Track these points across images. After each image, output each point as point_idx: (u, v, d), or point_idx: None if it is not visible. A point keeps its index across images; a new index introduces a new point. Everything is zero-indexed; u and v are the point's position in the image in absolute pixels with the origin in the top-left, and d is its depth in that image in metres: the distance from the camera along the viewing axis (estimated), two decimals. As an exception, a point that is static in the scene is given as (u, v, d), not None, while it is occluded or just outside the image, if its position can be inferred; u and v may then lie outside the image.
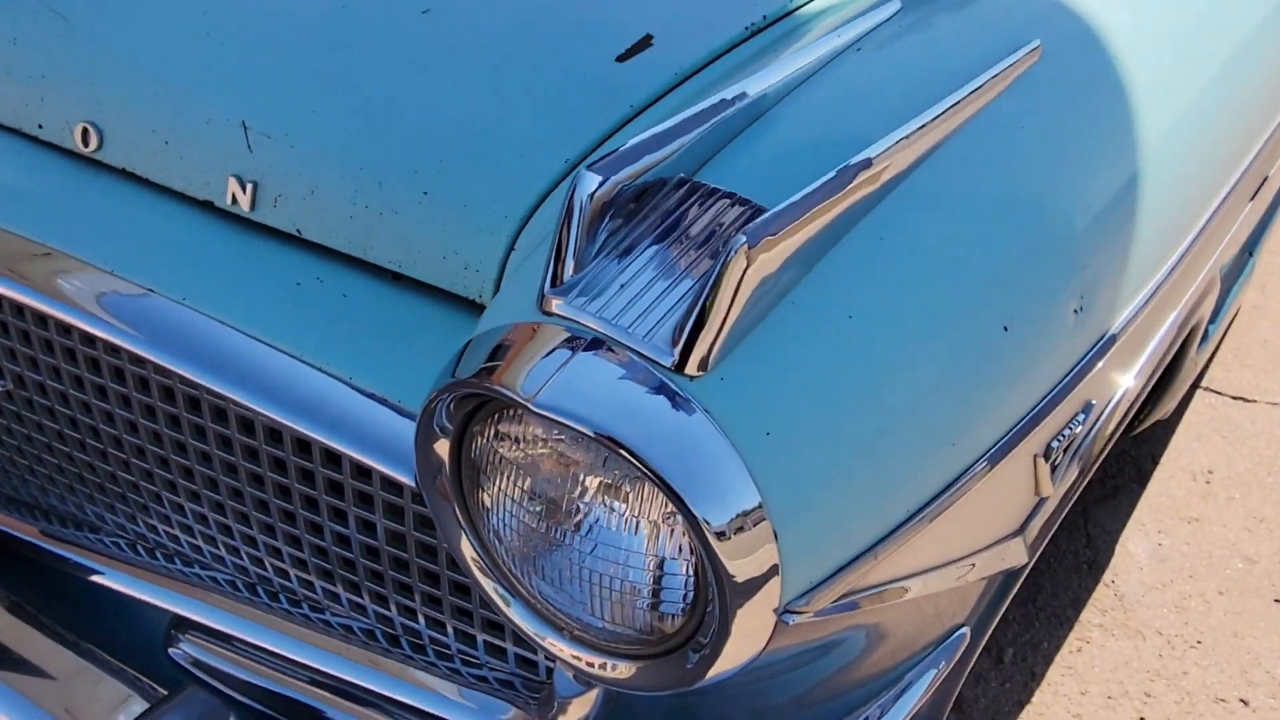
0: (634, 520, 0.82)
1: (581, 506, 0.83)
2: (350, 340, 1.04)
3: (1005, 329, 0.94)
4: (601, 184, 0.84)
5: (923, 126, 0.92)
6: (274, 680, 1.25)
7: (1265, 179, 1.65)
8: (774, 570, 0.79)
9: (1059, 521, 1.28)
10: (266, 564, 1.19)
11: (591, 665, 0.89)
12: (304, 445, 1.05)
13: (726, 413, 0.77)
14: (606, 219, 0.86)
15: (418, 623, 1.10)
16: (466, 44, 1.15)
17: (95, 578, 1.38)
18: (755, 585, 0.79)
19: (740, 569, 0.77)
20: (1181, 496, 2.44)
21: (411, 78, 1.12)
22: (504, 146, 1.06)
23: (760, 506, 0.77)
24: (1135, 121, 1.15)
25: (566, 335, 0.80)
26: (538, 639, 0.90)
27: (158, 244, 1.13)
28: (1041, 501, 1.15)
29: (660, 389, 0.77)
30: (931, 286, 0.90)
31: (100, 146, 1.17)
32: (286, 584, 1.20)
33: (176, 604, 1.29)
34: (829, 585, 0.83)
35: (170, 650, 1.33)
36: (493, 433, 0.87)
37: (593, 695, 0.99)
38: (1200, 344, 1.95)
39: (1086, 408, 1.11)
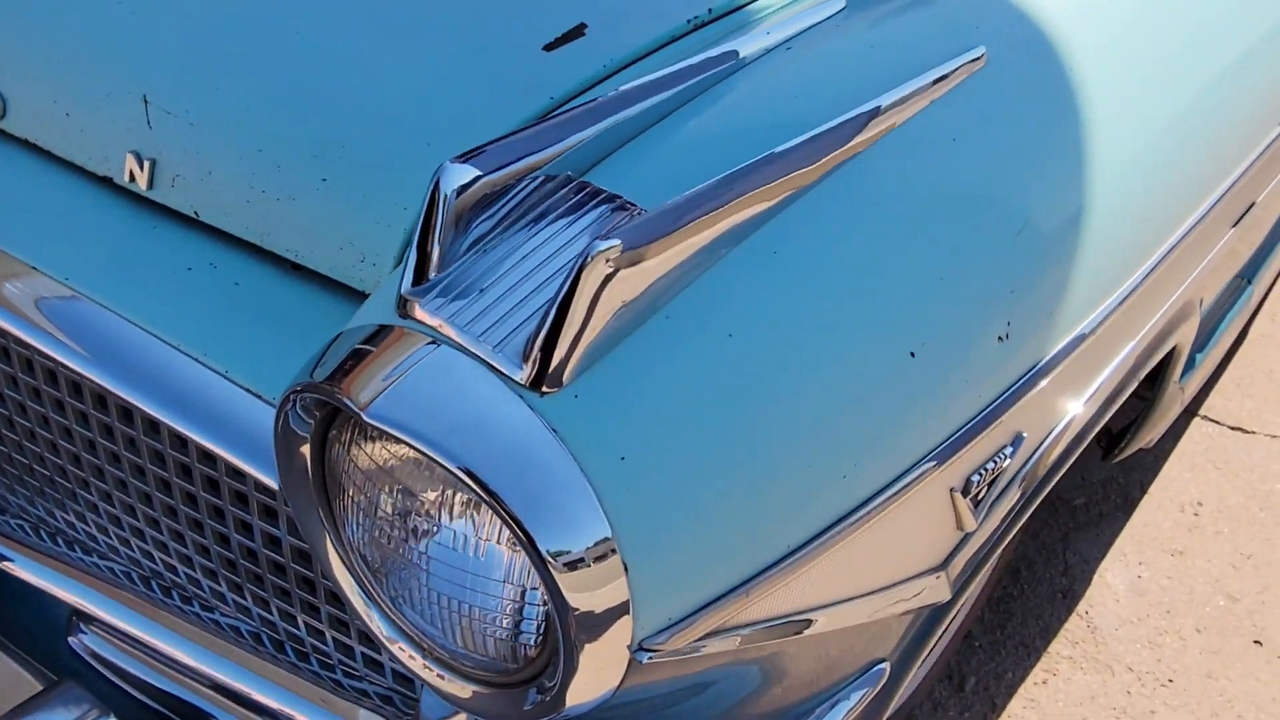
0: (483, 544, 0.77)
1: (428, 525, 0.78)
2: (235, 331, 0.99)
3: (912, 355, 0.87)
4: (474, 179, 0.78)
5: (834, 130, 0.86)
6: (166, 678, 1.21)
7: (1252, 204, 1.57)
8: (625, 607, 0.73)
9: (996, 554, 1.22)
10: (156, 558, 1.15)
11: (441, 680, 0.84)
12: (182, 439, 1.00)
13: (577, 433, 0.72)
14: (481, 217, 0.80)
15: (298, 629, 1.05)
16: (384, 25, 1.10)
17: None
18: (604, 621, 0.73)
19: (585, 602, 0.72)
20: (1167, 528, 2.36)
21: (321, 58, 1.07)
22: (410, 135, 1.01)
23: (610, 538, 0.71)
24: (1089, 143, 1.08)
25: (415, 340, 0.75)
26: (389, 644, 0.85)
27: (53, 219, 1.08)
28: (967, 536, 1.09)
29: (505, 404, 0.71)
30: (828, 307, 0.84)
31: (3, 115, 1.13)
32: (176, 580, 1.15)
33: (73, 593, 1.24)
34: (691, 623, 0.78)
35: (70, 639, 1.29)
36: (349, 438, 0.81)
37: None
38: (1186, 373, 1.87)
39: (1016, 440, 1.05)
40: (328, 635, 1.03)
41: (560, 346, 0.71)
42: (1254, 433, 2.64)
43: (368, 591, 0.86)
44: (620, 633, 0.74)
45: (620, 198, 0.80)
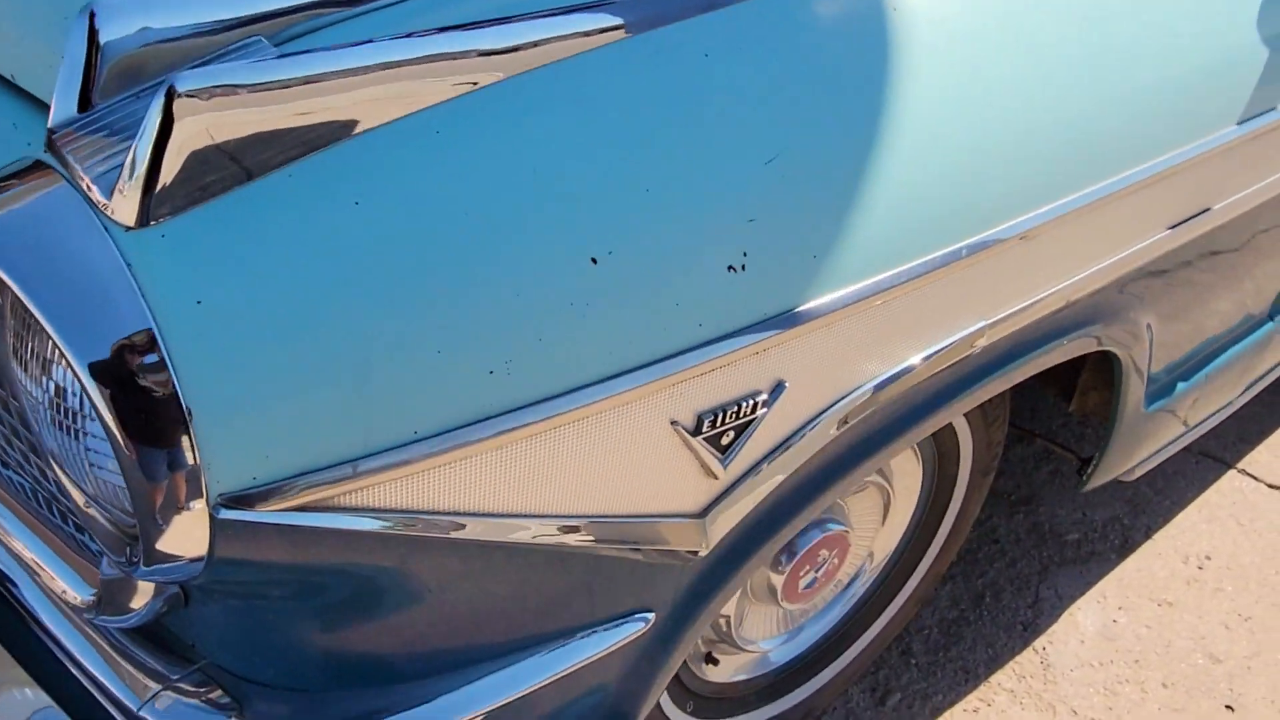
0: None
1: (32, 365, 0.79)
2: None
3: (593, 261, 0.83)
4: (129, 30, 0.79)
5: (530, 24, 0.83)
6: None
7: (1206, 210, 1.44)
8: (186, 456, 0.72)
9: (795, 521, 1.15)
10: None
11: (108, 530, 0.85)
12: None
13: (152, 271, 0.71)
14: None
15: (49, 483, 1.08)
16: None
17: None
18: (168, 466, 0.72)
19: (144, 442, 0.71)
20: (1163, 577, 2.19)
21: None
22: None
23: (169, 377, 0.71)
24: (884, 84, 1.01)
25: (44, 174, 0.76)
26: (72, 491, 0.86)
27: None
28: (730, 488, 1.04)
29: (89, 234, 0.71)
30: (494, 195, 0.81)
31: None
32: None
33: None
34: (283, 489, 0.76)
35: None
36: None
37: (151, 589, 0.94)
38: (1158, 400, 1.74)
39: (776, 388, 0.99)
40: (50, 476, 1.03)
41: (141, 181, 0.70)
42: (1294, 494, 2.43)
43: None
44: (190, 484, 0.73)
45: (288, 50, 0.80)
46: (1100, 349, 1.47)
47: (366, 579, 0.90)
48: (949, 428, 1.59)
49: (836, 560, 1.59)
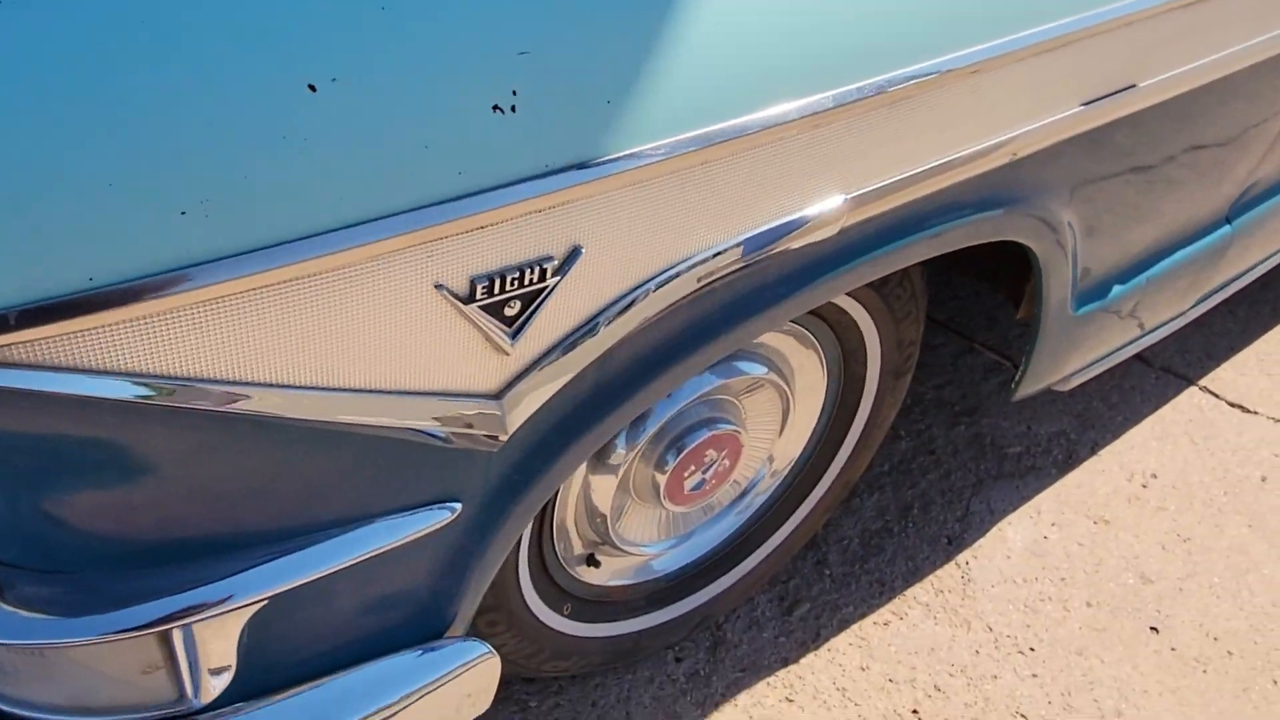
0: None
1: None
2: None
3: (311, 88, 0.72)
4: None
5: None
6: None
7: (1132, 86, 1.31)
8: None
9: (605, 421, 1.04)
10: None
11: None
12: None
13: None
14: None
15: None
16: None
17: None
18: None
19: None
20: (1104, 494, 2.09)
21: None
22: None
23: None
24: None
25: None
26: None
27: None
28: (530, 370, 0.93)
29: None
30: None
31: None
32: None
33: None
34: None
35: None
36: None
37: None
38: (1089, 302, 1.62)
39: (571, 255, 0.88)
40: None
41: None
42: (1256, 413, 2.31)
43: None
44: None
45: None
46: (1006, 240, 1.35)
47: (87, 449, 0.80)
48: (849, 322, 1.48)
49: (728, 462, 1.49)
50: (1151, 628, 1.84)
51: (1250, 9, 1.43)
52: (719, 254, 0.97)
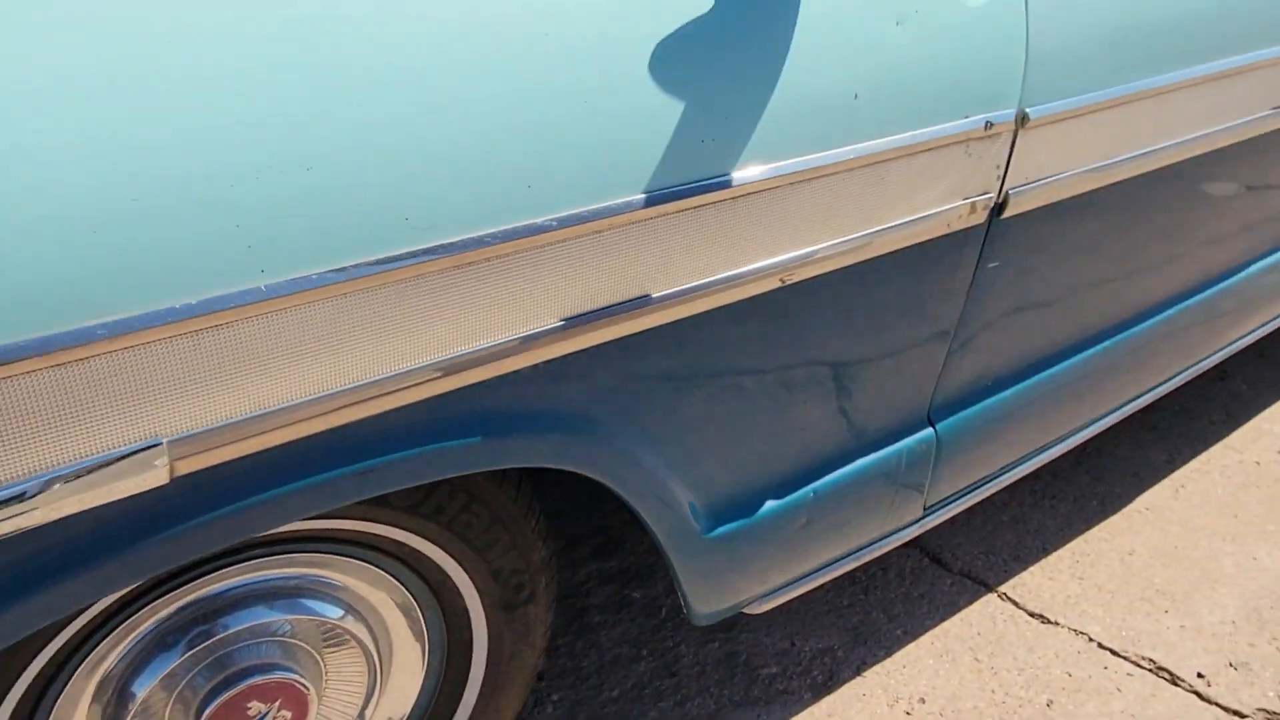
0: None
1: None
2: None
3: None
4: None
5: None
6: None
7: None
8: None
9: None
10: None
11: None
12: None
13: None
14: None
15: None
16: None
17: None
18: None
19: None
20: (857, 723, 1.87)
21: None
22: None
23: None
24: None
25: None
26: None
27: None
28: None
29: None
30: None
31: None
32: None
33: None
34: None
35: None
36: None
37: None
38: (735, 523, 1.45)
39: None
40: None
41: None
42: (1056, 624, 2.09)
43: None
44: None
45: None
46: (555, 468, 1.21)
47: None
48: (416, 553, 1.33)
49: (289, 715, 1.33)
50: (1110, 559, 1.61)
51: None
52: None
